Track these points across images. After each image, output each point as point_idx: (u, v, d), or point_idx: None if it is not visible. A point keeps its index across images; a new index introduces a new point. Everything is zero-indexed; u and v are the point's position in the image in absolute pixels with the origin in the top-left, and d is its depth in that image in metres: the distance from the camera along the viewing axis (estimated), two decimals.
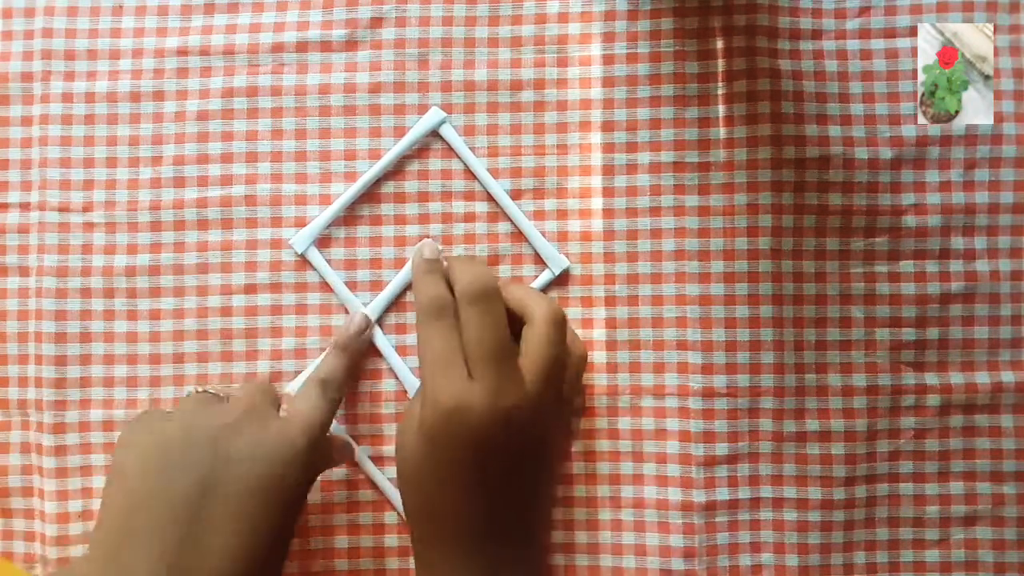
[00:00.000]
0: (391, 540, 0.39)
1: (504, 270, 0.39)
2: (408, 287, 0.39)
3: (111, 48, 0.40)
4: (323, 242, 0.40)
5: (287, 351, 0.39)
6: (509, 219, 0.39)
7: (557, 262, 0.39)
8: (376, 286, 0.39)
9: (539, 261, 0.39)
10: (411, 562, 0.39)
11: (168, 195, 0.40)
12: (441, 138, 0.39)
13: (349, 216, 0.39)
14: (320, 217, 0.39)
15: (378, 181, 0.39)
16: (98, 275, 0.39)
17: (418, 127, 0.39)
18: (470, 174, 0.39)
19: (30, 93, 0.40)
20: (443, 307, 0.33)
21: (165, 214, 0.39)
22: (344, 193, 0.39)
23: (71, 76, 0.40)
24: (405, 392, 0.39)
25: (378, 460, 0.39)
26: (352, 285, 0.39)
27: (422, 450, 0.32)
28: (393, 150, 0.39)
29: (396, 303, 0.39)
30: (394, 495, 0.38)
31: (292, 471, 0.32)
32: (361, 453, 0.39)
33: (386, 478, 0.39)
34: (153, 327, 0.39)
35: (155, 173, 0.40)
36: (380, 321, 0.39)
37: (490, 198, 0.39)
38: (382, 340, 0.39)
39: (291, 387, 0.39)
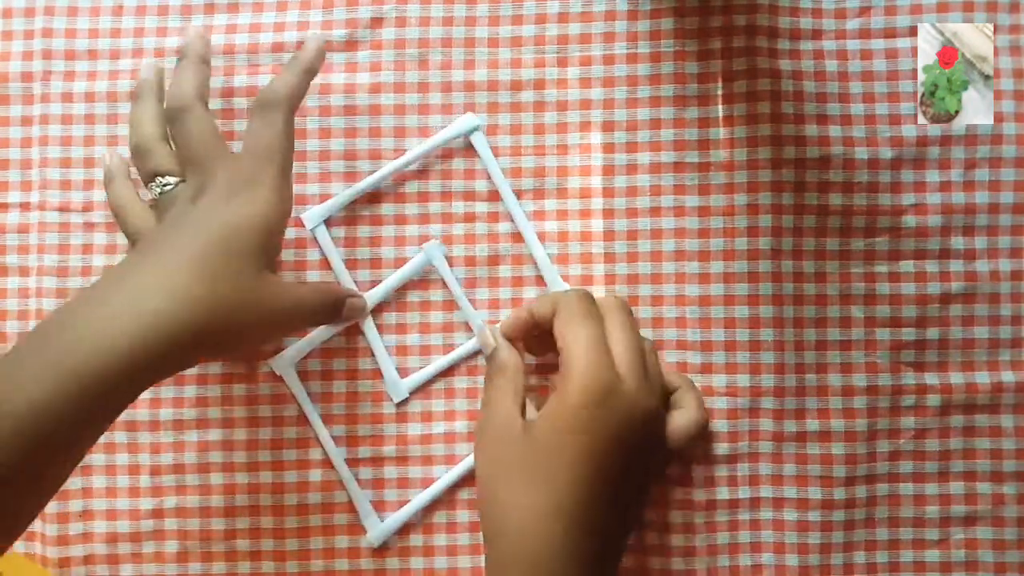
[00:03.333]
0: (391, 540, 0.39)
1: (504, 270, 0.39)
2: (405, 285, 0.39)
3: (111, 48, 0.40)
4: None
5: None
6: (510, 219, 0.39)
7: (556, 285, 0.39)
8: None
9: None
10: (412, 562, 0.39)
11: None
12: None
13: (349, 216, 0.39)
14: (338, 197, 0.39)
15: (378, 181, 0.39)
16: (98, 275, 0.39)
17: (449, 129, 0.39)
18: (470, 174, 0.39)
19: (30, 93, 0.40)
20: (591, 309, 0.34)
21: None
22: (366, 179, 0.39)
23: (71, 76, 0.40)
24: None
25: (378, 461, 0.39)
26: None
27: (556, 437, 0.32)
28: (420, 147, 0.39)
29: (397, 303, 0.39)
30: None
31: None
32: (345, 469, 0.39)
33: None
34: None
35: None
36: (380, 322, 0.39)
37: (490, 198, 0.39)
38: (375, 339, 0.39)
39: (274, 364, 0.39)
